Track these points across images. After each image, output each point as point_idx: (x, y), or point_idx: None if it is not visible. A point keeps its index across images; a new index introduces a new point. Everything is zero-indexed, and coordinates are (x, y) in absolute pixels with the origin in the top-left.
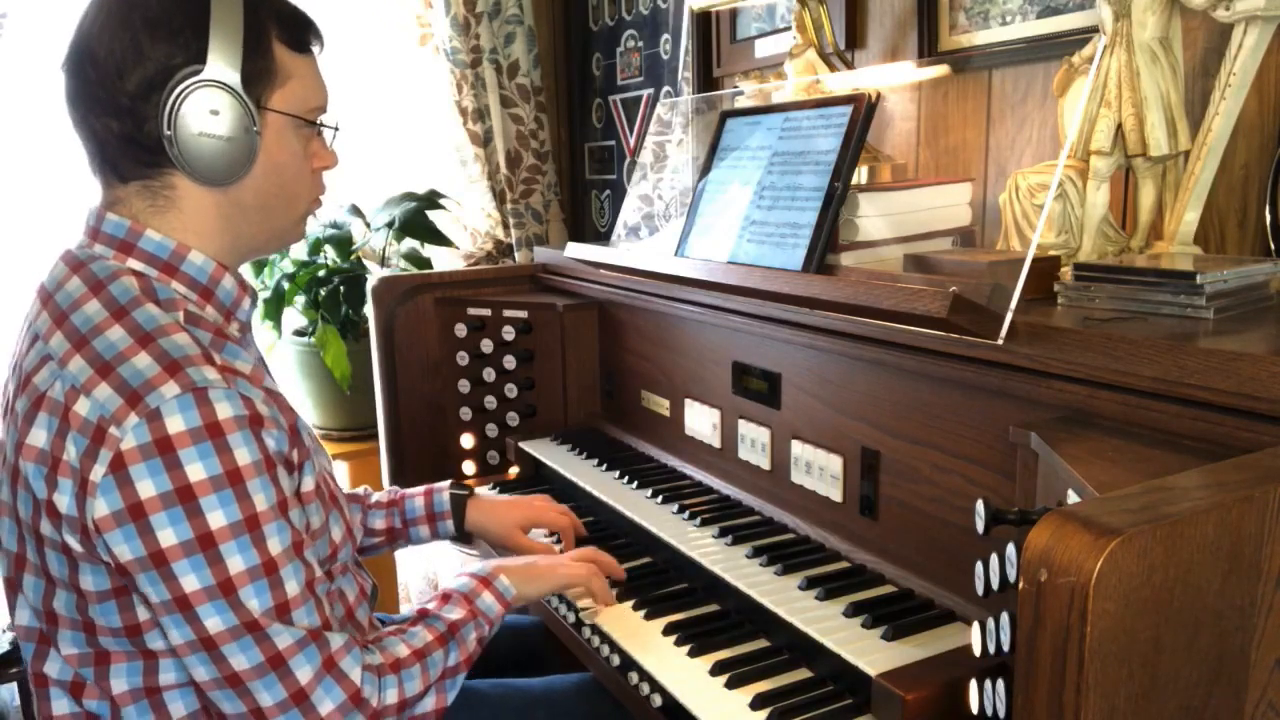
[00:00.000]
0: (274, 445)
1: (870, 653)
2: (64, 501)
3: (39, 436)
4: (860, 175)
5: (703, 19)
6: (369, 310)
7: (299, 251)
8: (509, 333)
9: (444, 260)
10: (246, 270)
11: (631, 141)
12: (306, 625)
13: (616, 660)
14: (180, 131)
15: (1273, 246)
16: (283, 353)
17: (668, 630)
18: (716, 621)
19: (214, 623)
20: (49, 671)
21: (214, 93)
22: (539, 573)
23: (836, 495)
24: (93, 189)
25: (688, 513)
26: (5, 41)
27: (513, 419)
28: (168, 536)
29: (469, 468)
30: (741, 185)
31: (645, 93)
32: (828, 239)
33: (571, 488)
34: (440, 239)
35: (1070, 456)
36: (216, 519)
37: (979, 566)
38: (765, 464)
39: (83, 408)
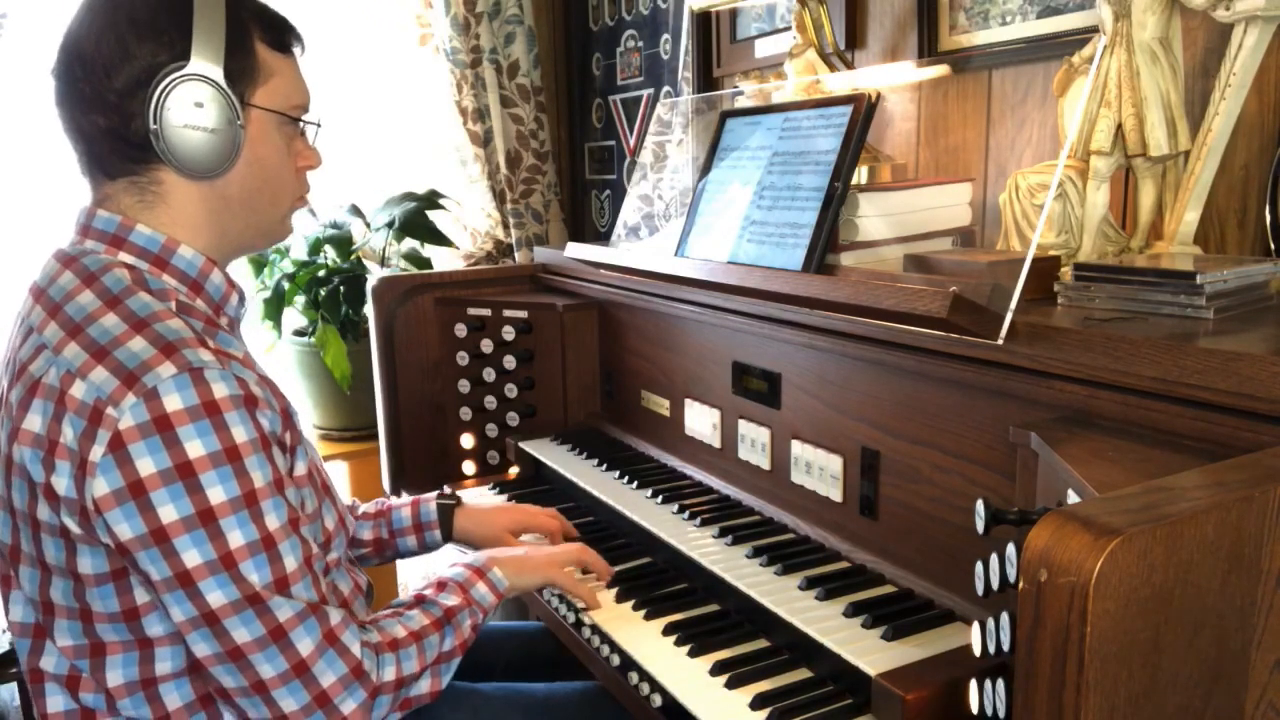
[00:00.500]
0: (268, 425)
1: (870, 653)
2: (62, 484)
3: (34, 421)
4: (860, 175)
5: (703, 19)
6: (369, 310)
7: (299, 251)
8: (509, 333)
9: (444, 260)
10: (246, 270)
11: (631, 141)
12: (306, 599)
13: (616, 660)
14: (166, 125)
15: (1273, 246)
16: (283, 353)
17: (668, 630)
18: (716, 621)
19: (216, 597)
20: (45, 666)
21: (198, 86)
22: (532, 565)
23: (836, 495)
24: (86, 191)
25: (688, 513)
26: (5, 41)
27: (513, 419)
28: (168, 513)
29: (469, 468)
30: (741, 185)
31: (645, 93)
32: (828, 239)
33: (571, 488)
34: (440, 239)
35: (1070, 456)
36: (216, 494)
37: (979, 566)
38: (765, 464)
39: (79, 391)
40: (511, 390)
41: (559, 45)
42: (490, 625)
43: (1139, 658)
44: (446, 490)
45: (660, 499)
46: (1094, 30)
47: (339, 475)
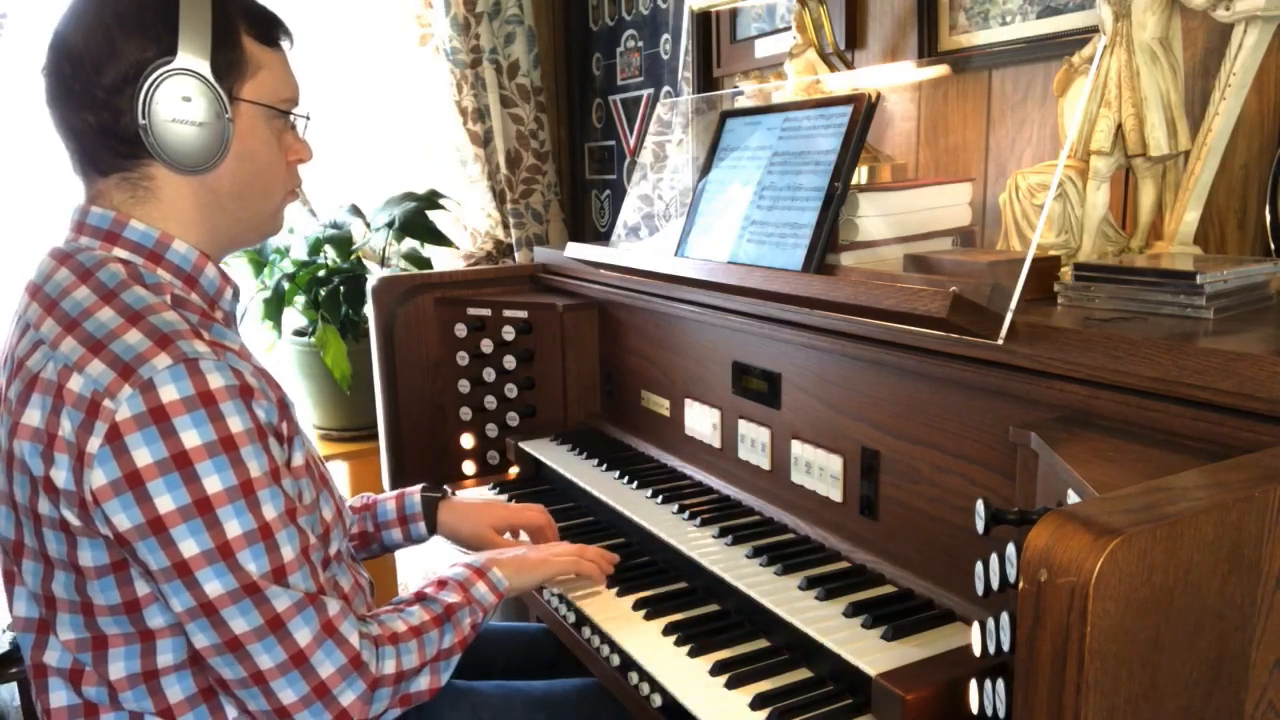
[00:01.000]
0: (264, 416)
1: (870, 653)
2: (61, 476)
3: (33, 416)
4: (860, 175)
5: (703, 19)
6: (369, 310)
7: (299, 251)
8: (509, 333)
9: (444, 260)
10: (246, 270)
11: (631, 141)
12: (304, 589)
13: (616, 660)
14: (154, 120)
15: (1273, 246)
16: (283, 353)
17: (668, 630)
18: (716, 621)
19: (213, 586)
20: (48, 661)
21: (185, 80)
22: (531, 564)
23: (836, 495)
24: (78, 191)
25: (688, 513)
26: (5, 41)
27: (513, 419)
28: (165, 503)
29: (469, 468)
30: (741, 185)
31: (645, 93)
32: (828, 239)
33: (571, 488)
34: (440, 239)
35: (1070, 456)
36: (212, 484)
37: (979, 566)
38: (765, 464)
39: (76, 384)
40: (511, 390)
41: (559, 45)
42: (491, 625)
43: (1139, 658)
44: (446, 489)
45: (660, 499)
46: (1094, 30)
47: (339, 475)
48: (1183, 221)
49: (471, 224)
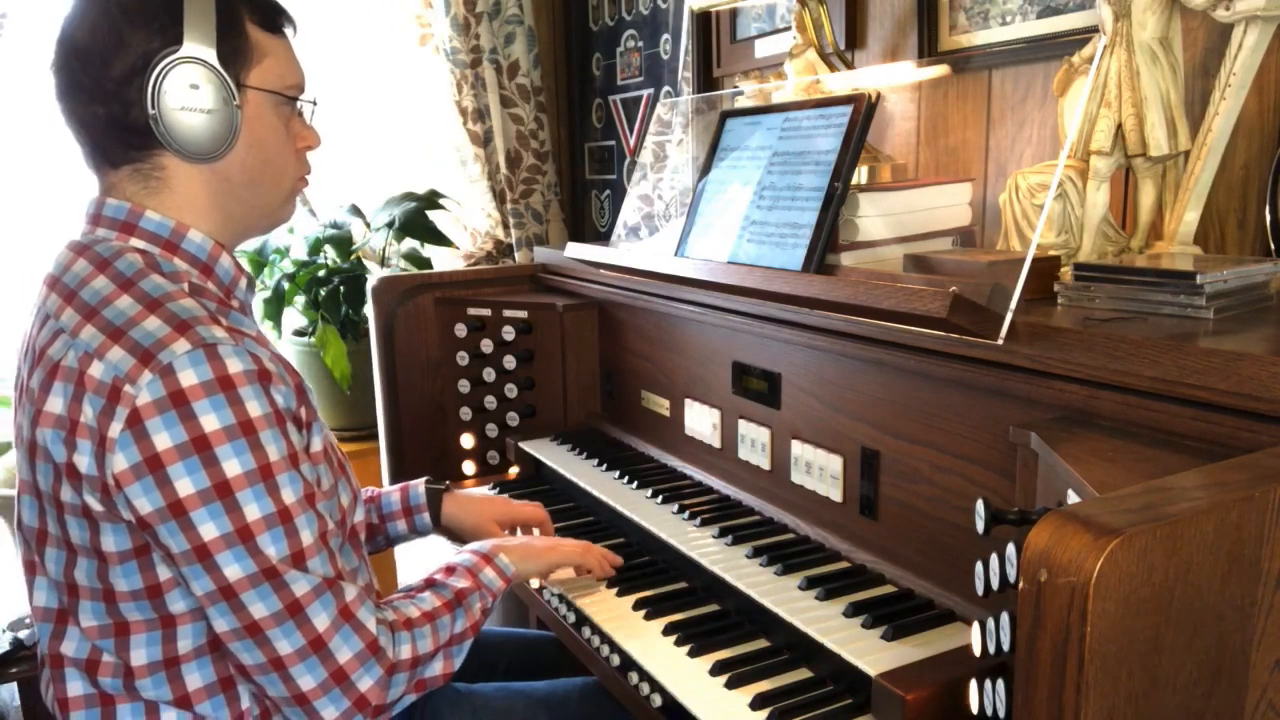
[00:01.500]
0: (282, 401)
1: (870, 653)
2: (84, 461)
3: (55, 403)
4: (860, 175)
5: (703, 19)
6: (369, 310)
7: (299, 251)
8: (509, 333)
9: (444, 260)
10: (245, 265)
11: (631, 141)
12: (322, 574)
13: (617, 660)
14: (164, 110)
15: (1273, 246)
16: (283, 353)
17: (668, 630)
18: (716, 621)
19: (233, 570)
20: (65, 651)
21: (193, 69)
22: (536, 551)
23: (836, 495)
24: (90, 186)
25: (688, 513)
26: (5, 41)
27: (513, 419)
28: (185, 486)
29: (469, 468)
30: (741, 185)
31: (645, 93)
32: (828, 239)
33: (571, 488)
34: (440, 239)
35: (1070, 456)
36: (232, 467)
37: (979, 566)
38: (765, 464)
39: (96, 370)
40: (511, 390)
41: (559, 45)
42: (493, 629)
43: (1139, 658)
44: (448, 483)
45: (660, 499)
46: (1094, 30)
47: None
48: (1183, 221)
49: (471, 224)
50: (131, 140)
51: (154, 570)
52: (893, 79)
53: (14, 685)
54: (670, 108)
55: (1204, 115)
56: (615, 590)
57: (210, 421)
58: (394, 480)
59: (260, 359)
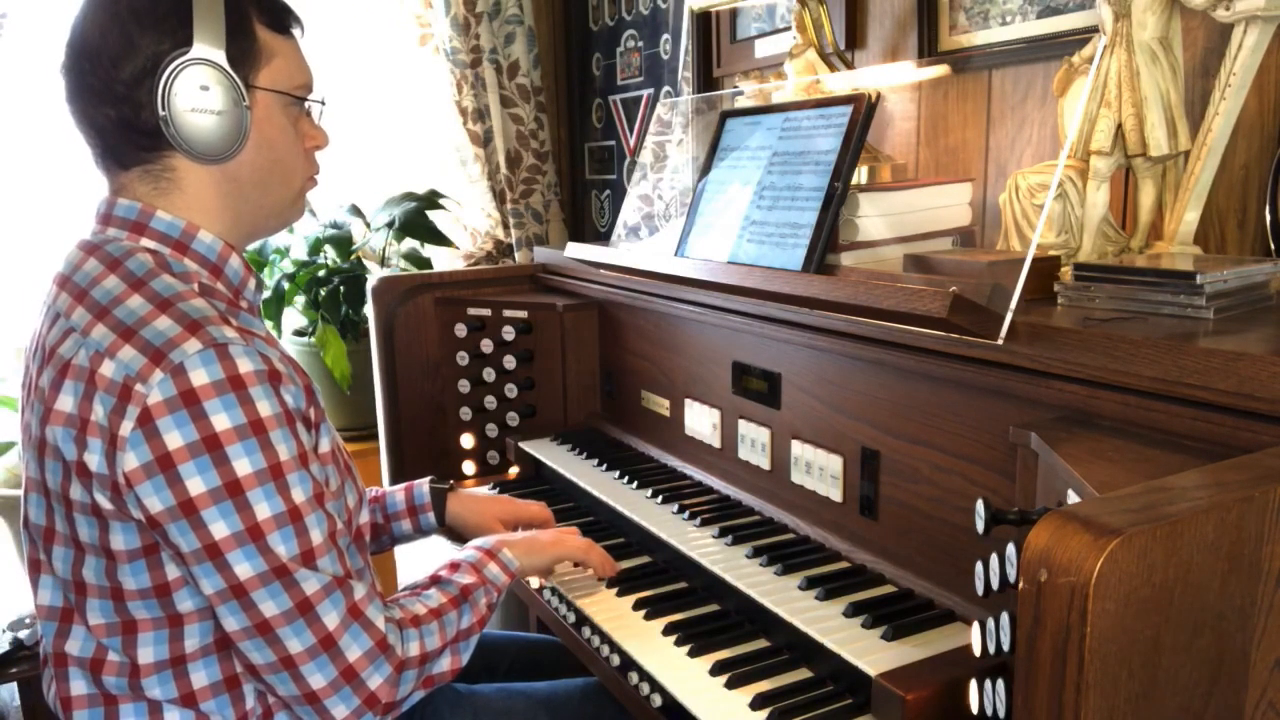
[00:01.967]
0: (291, 402)
1: (870, 653)
2: (94, 460)
3: (66, 402)
4: (860, 175)
5: (703, 19)
6: (369, 310)
7: (299, 251)
8: (509, 333)
9: (444, 260)
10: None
11: (631, 141)
12: (331, 573)
13: (617, 660)
14: (174, 111)
15: (1273, 246)
16: None
17: (668, 630)
18: (716, 621)
19: (243, 569)
20: (70, 650)
21: (202, 70)
22: (540, 546)
23: (836, 495)
24: (93, 187)
25: (688, 513)
26: (5, 41)
27: (513, 419)
28: (196, 485)
29: (469, 468)
30: (741, 185)
31: (645, 93)
32: (828, 239)
33: (571, 488)
34: (440, 239)
35: (1070, 456)
36: (242, 466)
37: (979, 566)
38: (765, 464)
39: (108, 369)
40: (511, 390)
41: (559, 45)
42: (495, 632)
43: (1139, 658)
44: (451, 483)
45: (660, 499)
46: (1094, 30)
47: None
48: (1183, 221)
49: (471, 224)
50: (142, 142)
51: (163, 569)
52: (893, 79)
53: (14, 685)
54: (670, 108)
55: (1204, 115)
56: (615, 590)
57: (221, 421)
58: (394, 480)
59: (270, 359)
